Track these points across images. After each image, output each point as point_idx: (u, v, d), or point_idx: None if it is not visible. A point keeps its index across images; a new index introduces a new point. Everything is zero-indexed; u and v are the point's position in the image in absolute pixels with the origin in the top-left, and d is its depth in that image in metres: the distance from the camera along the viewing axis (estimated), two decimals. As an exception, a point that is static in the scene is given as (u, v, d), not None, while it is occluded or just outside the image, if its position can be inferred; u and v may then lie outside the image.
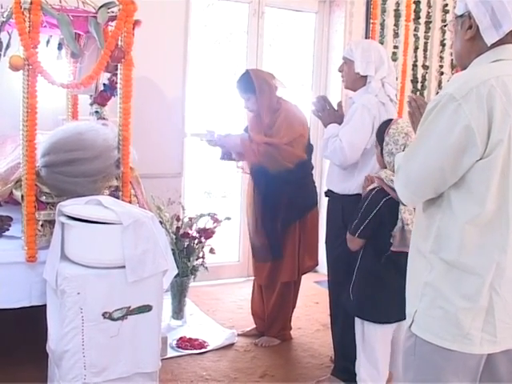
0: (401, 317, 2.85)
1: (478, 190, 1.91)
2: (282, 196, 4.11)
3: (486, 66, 1.98)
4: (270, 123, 4.11)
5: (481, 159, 1.89)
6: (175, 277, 3.42)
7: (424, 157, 1.97)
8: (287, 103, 4.19)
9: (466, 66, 2.07)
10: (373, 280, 3.09)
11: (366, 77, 3.66)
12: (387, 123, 3.08)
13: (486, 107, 1.85)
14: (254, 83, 4.09)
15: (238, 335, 4.36)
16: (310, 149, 4.25)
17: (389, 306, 2.99)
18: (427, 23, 5.95)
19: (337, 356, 3.81)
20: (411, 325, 2.07)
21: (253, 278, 4.48)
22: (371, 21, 5.61)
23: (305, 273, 4.36)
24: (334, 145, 3.59)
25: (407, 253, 2.18)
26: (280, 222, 4.14)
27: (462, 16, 2.07)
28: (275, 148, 4.02)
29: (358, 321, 3.15)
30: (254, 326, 4.44)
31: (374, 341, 3.10)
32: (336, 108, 3.84)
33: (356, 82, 3.70)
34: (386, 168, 3.01)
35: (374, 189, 3.04)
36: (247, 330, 4.44)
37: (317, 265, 4.46)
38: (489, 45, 1.99)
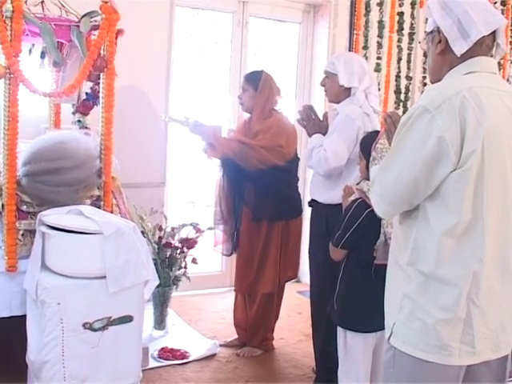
0: (383, 326, 2.87)
1: (452, 201, 1.93)
2: (250, 191, 4.12)
3: (459, 78, 2.01)
4: (257, 131, 4.11)
5: (455, 170, 1.91)
6: (157, 287, 3.41)
7: (398, 169, 1.99)
8: (279, 115, 4.21)
9: (440, 80, 2.10)
10: (355, 290, 3.10)
11: (349, 89, 3.70)
12: (371, 136, 3.08)
13: (458, 118, 1.88)
14: (260, 81, 4.13)
15: (220, 345, 4.34)
16: (296, 161, 4.28)
17: (371, 315, 2.98)
18: (411, 34, 5.98)
19: (318, 366, 3.81)
20: (390, 337, 2.08)
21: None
22: (355, 32, 5.62)
23: (285, 282, 4.36)
24: (319, 155, 3.61)
25: None
26: (252, 218, 4.15)
27: (431, 32, 2.12)
28: (248, 146, 4.03)
29: (340, 330, 3.15)
30: (237, 336, 4.43)
31: (356, 350, 3.10)
32: (321, 118, 3.86)
33: (340, 94, 3.73)
34: (368, 180, 3.02)
35: (356, 200, 3.05)
36: (229, 340, 4.42)
37: (296, 276, 4.46)
38: (459, 55, 2.03)
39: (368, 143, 3.05)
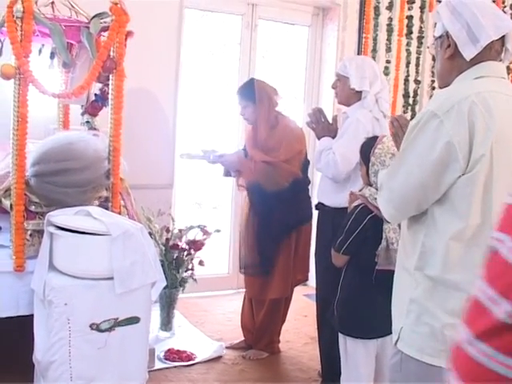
0: (384, 333, 2.86)
1: (461, 206, 1.92)
2: (274, 213, 4.09)
3: (468, 83, 2.00)
4: (268, 139, 4.09)
5: (463, 175, 1.90)
6: (164, 288, 3.41)
7: (406, 173, 1.99)
8: (285, 119, 4.19)
9: (449, 85, 2.09)
10: (356, 296, 3.08)
11: (360, 92, 3.69)
12: (370, 142, 3.08)
13: (467, 123, 1.87)
14: (255, 93, 4.10)
15: (226, 348, 4.34)
16: (306, 164, 4.26)
17: (371, 321, 2.99)
18: (419, 38, 5.98)
19: (324, 370, 3.80)
20: (397, 341, 2.07)
21: (242, 290, 4.46)
22: (364, 35, 5.63)
23: (296, 285, 4.36)
24: (328, 158, 3.61)
25: (392, 270, 2.18)
26: (272, 238, 4.12)
27: (440, 37, 2.12)
28: (272, 166, 4.01)
29: (340, 336, 3.14)
30: (243, 338, 4.43)
31: (357, 356, 3.08)
32: (331, 122, 3.86)
33: (350, 97, 3.73)
34: (371, 186, 3.01)
35: (358, 206, 3.03)
36: (235, 342, 4.42)
37: (307, 279, 4.46)
38: (468, 60, 2.03)
39: (367, 149, 3.05)
